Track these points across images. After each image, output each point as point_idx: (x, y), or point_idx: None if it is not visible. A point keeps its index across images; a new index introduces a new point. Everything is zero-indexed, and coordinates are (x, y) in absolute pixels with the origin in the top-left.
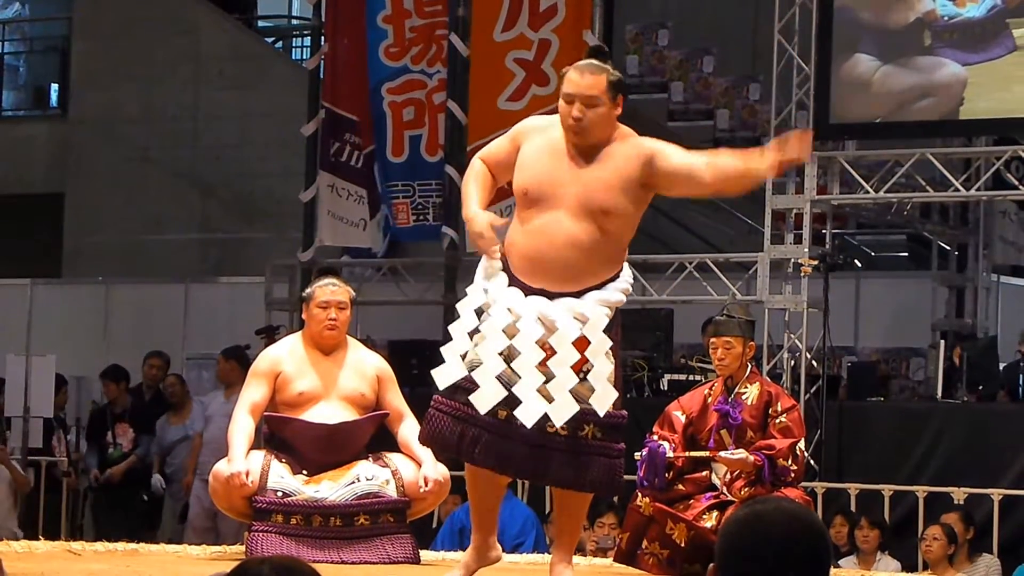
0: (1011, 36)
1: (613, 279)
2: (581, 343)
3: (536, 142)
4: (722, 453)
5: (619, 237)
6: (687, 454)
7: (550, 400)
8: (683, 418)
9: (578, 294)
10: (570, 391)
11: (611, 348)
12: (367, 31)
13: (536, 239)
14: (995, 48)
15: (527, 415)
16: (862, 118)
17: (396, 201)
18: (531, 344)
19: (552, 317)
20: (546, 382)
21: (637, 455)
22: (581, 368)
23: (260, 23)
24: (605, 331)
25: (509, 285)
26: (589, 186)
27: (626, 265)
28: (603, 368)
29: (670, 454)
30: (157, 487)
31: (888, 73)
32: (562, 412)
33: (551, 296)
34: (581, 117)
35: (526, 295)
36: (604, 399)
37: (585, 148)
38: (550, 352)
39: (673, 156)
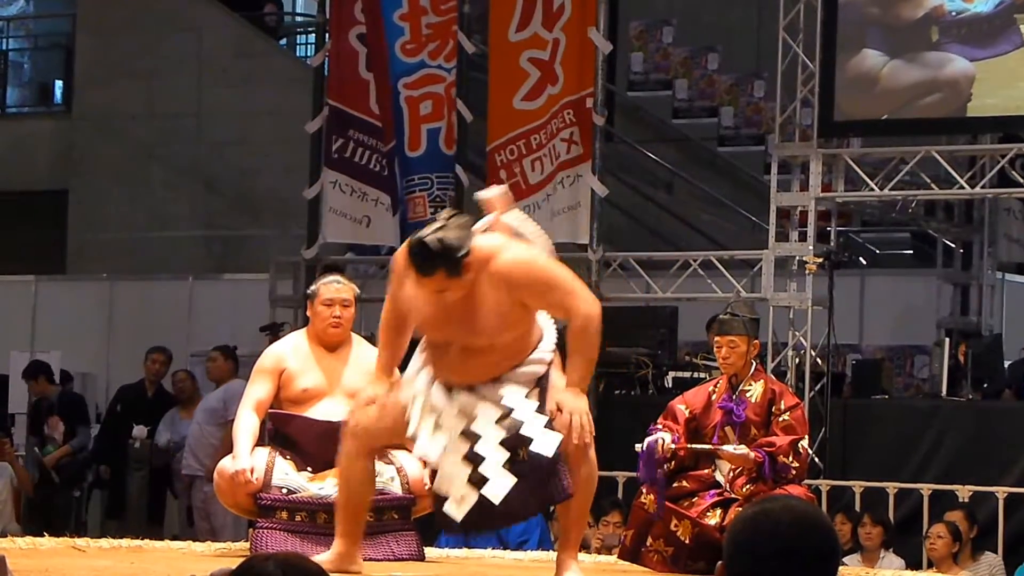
0: (1019, 32)
1: (535, 348)
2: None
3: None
4: (724, 447)
5: (519, 337)
6: (690, 446)
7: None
8: (687, 412)
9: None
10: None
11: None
12: (384, 29)
13: (441, 359)
14: (1003, 43)
15: (456, 510)
16: (869, 114)
17: (413, 195)
18: (456, 437)
19: (473, 410)
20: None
21: (638, 447)
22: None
23: (264, 20)
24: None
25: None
26: (470, 330)
27: (548, 327)
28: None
29: (671, 445)
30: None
31: (896, 68)
32: (498, 488)
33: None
34: (442, 293)
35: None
36: (548, 443)
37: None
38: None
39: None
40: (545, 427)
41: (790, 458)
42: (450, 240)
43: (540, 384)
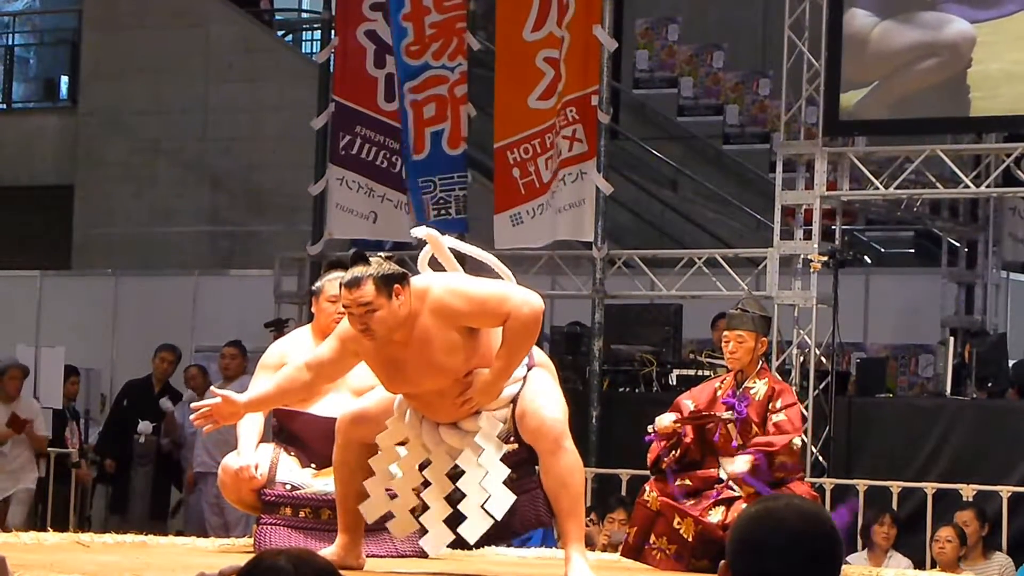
0: None
1: None
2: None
3: (365, 345)
4: (727, 466)
5: (482, 359)
6: (702, 413)
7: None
8: (692, 406)
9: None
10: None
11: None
12: (391, 30)
13: (417, 404)
14: (1007, 3)
15: (432, 545)
16: (859, 81)
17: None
18: (441, 475)
19: (454, 444)
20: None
21: (650, 428)
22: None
23: (270, 16)
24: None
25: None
26: (423, 370)
27: None
28: (498, 472)
29: (675, 424)
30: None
31: (887, 30)
32: (477, 528)
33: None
34: (365, 327)
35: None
36: (501, 503)
37: (394, 339)
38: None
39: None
40: (504, 482)
41: (787, 457)
42: (388, 264)
43: (515, 402)
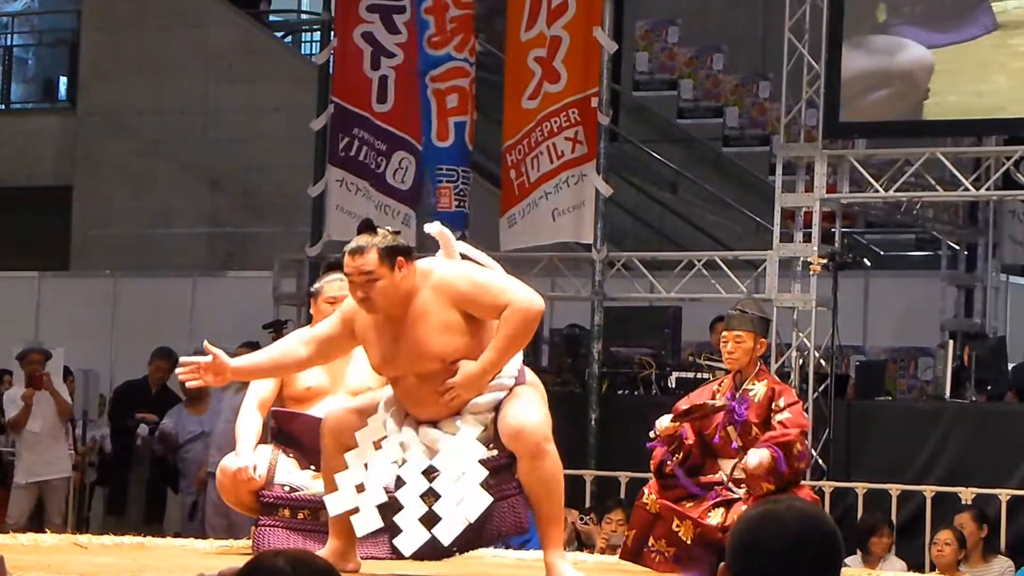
0: (990, 11)
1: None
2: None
3: (363, 321)
4: (746, 458)
5: (473, 352)
6: (695, 405)
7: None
8: None
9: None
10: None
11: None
12: (414, 23)
13: (403, 394)
14: (968, 27)
15: (406, 544)
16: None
17: (441, 185)
18: (416, 474)
19: (434, 444)
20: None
21: (651, 434)
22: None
23: (270, 17)
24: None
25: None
26: (415, 348)
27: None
28: (475, 474)
29: (670, 423)
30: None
31: None
32: (451, 529)
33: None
34: (365, 297)
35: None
36: (476, 505)
37: (392, 314)
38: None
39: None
40: (481, 484)
41: (804, 446)
42: (393, 236)
43: (497, 410)
